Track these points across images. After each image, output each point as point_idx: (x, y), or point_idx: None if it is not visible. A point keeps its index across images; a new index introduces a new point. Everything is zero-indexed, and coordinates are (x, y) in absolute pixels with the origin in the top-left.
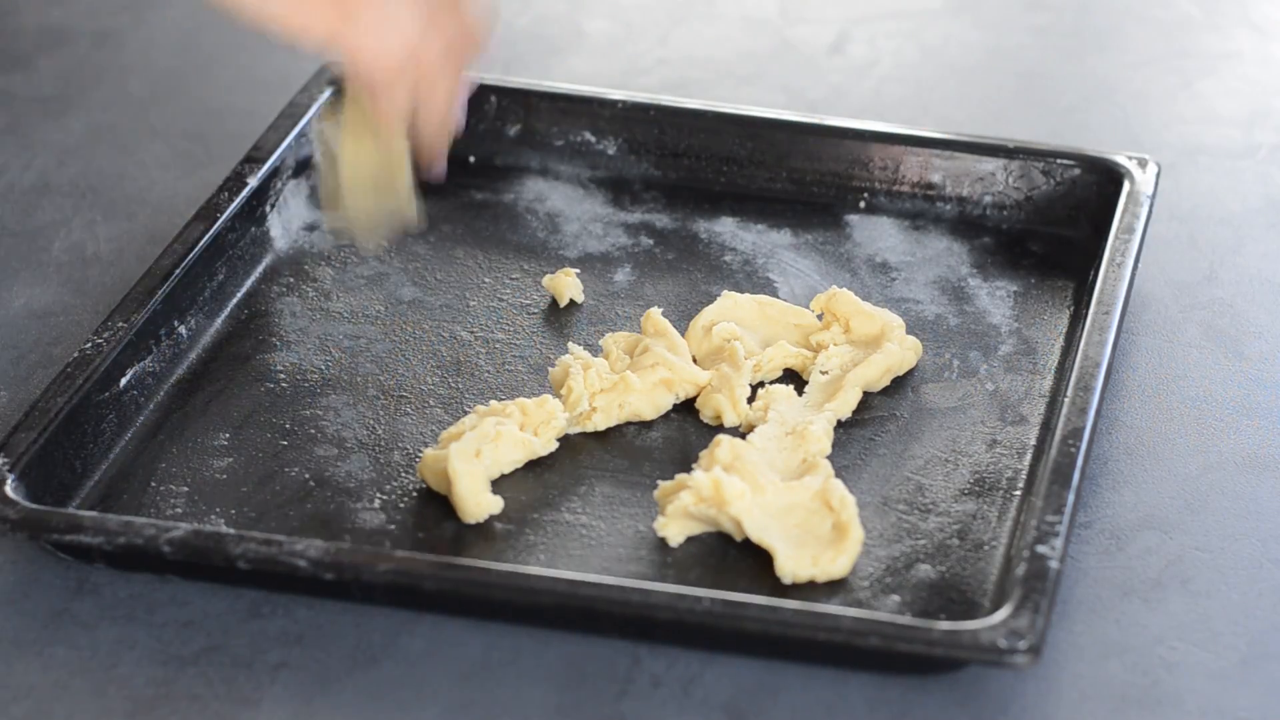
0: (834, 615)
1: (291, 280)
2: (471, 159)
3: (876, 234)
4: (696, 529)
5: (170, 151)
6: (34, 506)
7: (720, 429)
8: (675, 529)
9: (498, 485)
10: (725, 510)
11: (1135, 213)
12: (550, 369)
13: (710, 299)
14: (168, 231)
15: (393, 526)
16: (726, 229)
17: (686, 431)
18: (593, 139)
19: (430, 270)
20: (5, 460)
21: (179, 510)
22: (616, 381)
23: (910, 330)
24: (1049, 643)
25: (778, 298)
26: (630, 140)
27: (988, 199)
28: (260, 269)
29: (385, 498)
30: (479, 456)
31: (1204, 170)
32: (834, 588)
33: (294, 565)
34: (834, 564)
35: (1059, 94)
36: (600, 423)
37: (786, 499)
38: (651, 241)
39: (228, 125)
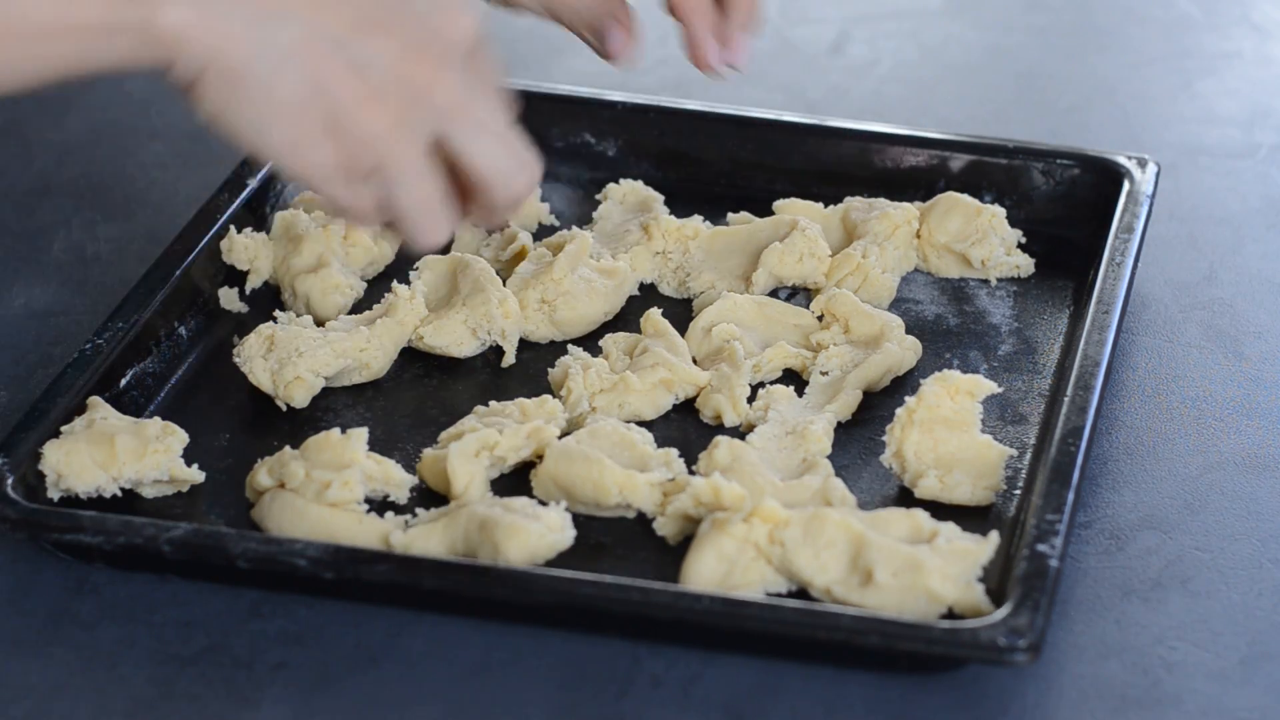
0: (834, 614)
1: None
2: None
3: None
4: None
5: (170, 151)
6: (34, 506)
7: (720, 429)
8: (675, 528)
9: (497, 485)
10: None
11: (1135, 212)
12: (550, 369)
13: (710, 300)
14: (168, 231)
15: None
16: None
17: (686, 431)
18: (593, 140)
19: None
20: (5, 460)
21: (179, 510)
22: (616, 381)
23: (910, 330)
24: (1049, 643)
25: (778, 298)
26: (630, 142)
27: (987, 199)
28: None
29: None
30: (479, 456)
31: (1204, 170)
32: None
33: (294, 564)
34: None
35: (1059, 94)
36: None
37: (786, 498)
38: None
39: None
